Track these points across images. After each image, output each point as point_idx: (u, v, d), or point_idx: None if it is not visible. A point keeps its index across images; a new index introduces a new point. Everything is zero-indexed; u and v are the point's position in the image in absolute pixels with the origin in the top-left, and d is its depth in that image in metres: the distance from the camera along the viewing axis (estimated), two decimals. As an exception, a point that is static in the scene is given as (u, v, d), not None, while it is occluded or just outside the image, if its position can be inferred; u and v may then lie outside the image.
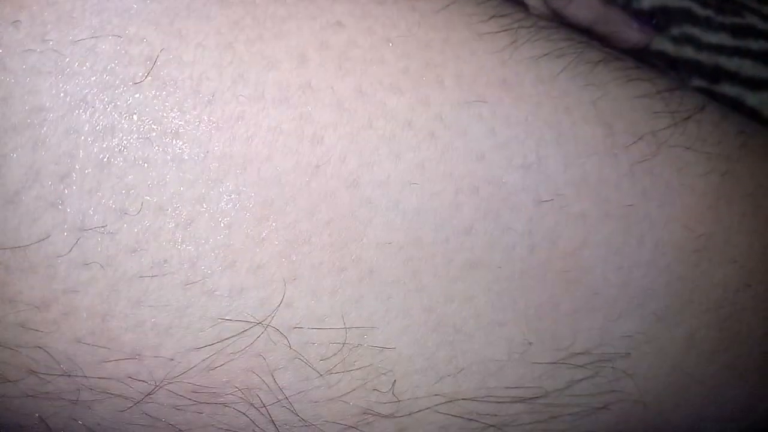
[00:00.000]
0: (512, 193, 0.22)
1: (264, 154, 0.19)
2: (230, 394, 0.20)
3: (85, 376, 0.20)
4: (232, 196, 0.19)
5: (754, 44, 0.43)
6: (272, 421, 0.21)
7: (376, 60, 0.21)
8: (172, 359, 0.20)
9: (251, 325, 0.20)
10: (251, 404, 0.20)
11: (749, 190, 0.26)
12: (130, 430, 0.21)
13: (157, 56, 0.19)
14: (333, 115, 0.20)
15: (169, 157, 0.19)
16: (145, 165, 0.19)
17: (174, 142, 0.19)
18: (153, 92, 0.19)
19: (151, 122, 0.19)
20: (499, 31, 0.22)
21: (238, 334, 0.20)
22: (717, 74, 0.42)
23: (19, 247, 0.18)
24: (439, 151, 0.21)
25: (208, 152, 0.19)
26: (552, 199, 0.22)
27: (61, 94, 0.18)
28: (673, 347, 0.25)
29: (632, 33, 0.34)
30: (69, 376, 0.20)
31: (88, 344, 0.19)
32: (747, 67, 0.43)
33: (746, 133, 0.28)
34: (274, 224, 0.19)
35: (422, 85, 0.21)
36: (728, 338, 0.26)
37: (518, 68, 0.22)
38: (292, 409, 0.21)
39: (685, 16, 0.43)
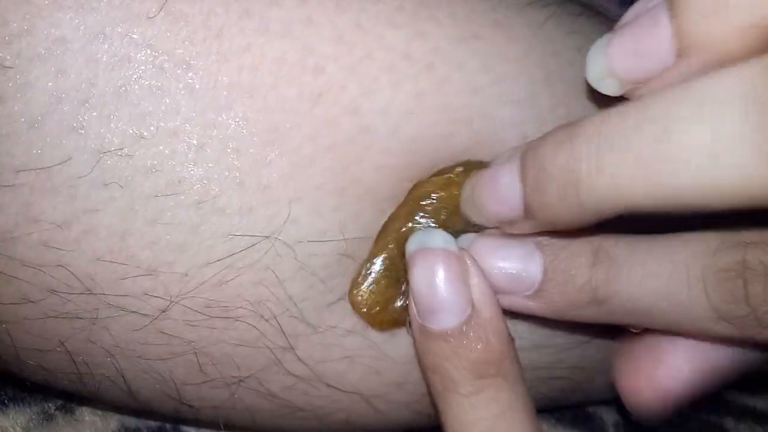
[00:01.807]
0: (502, 127, 0.23)
1: (269, 83, 0.21)
2: (241, 307, 0.21)
3: (104, 294, 0.21)
4: (240, 121, 0.20)
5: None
6: (282, 330, 0.22)
7: None
8: (186, 274, 0.21)
9: (260, 240, 0.21)
10: (261, 316, 0.22)
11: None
12: (145, 351, 0.22)
13: None
14: (334, 47, 0.21)
15: (181, 86, 0.20)
16: (159, 93, 0.20)
17: (185, 72, 0.20)
18: (165, 26, 0.20)
19: (164, 54, 0.20)
20: None
21: (248, 248, 0.21)
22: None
23: (42, 168, 0.19)
24: (436, 83, 0.22)
25: (217, 81, 0.20)
26: (538, 135, 0.23)
27: (81, 27, 0.19)
28: None
29: (611, 6, 0.36)
30: (88, 294, 0.20)
31: (107, 262, 0.20)
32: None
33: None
34: (279, 148, 0.21)
35: (418, 21, 0.22)
36: None
37: (508, 12, 0.23)
38: (300, 317, 0.22)
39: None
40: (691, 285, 0.19)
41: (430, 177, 0.23)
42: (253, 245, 0.21)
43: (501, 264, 0.21)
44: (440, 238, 0.21)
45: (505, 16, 0.23)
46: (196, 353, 0.22)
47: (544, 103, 0.23)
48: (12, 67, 0.19)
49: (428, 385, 0.22)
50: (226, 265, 0.21)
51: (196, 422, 0.27)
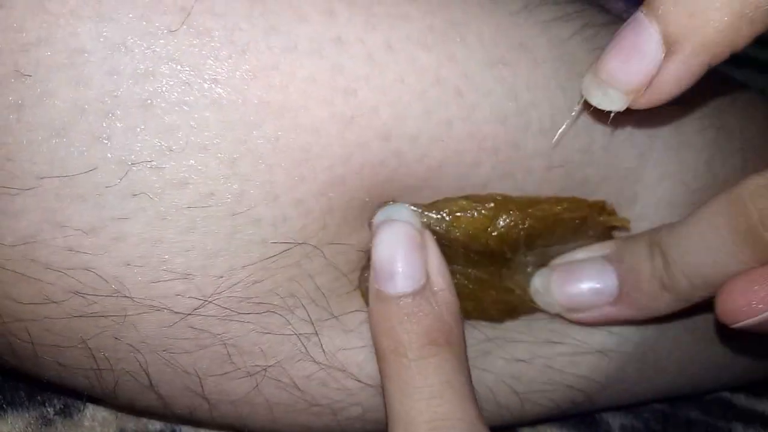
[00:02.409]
0: (527, 157, 0.23)
1: (299, 103, 0.20)
2: (272, 301, 0.22)
3: (133, 297, 0.21)
4: (272, 139, 0.20)
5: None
6: (309, 317, 0.23)
7: (401, 16, 0.22)
8: (221, 277, 0.21)
9: (293, 245, 0.22)
10: (289, 307, 0.22)
11: (739, 145, 0.27)
12: (172, 345, 0.22)
13: (192, 6, 0.20)
14: (365, 68, 0.21)
15: (208, 101, 0.20)
16: (186, 108, 0.20)
17: (212, 87, 0.20)
18: (189, 40, 0.20)
19: (188, 69, 0.20)
20: None
21: (282, 252, 0.21)
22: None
23: (67, 176, 0.19)
24: (465, 110, 0.22)
25: (245, 99, 0.20)
26: (562, 166, 0.24)
27: (101, 38, 0.19)
28: None
29: (617, 4, 0.36)
30: (117, 296, 0.21)
31: (138, 266, 0.20)
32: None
33: (735, 91, 0.29)
34: (312, 167, 0.21)
35: (448, 42, 0.22)
36: None
37: (533, 31, 0.23)
38: (326, 305, 0.23)
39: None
40: (737, 241, 0.21)
41: (460, 198, 0.24)
42: (287, 250, 0.22)
43: (583, 285, 0.24)
44: (406, 213, 0.23)
45: (530, 36, 0.23)
46: (224, 344, 0.22)
47: (567, 132, 0.23)
48: (31, 75, 0.19)
49: (376, 350, 0.23)
50: (260, 267, 0.21)
51: (207, 423, 0.27)
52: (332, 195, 0.22)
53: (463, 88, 0.22)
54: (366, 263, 0.24)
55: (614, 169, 0.25)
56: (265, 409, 0.25)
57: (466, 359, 0.23)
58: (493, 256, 0.25)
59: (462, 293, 0.24)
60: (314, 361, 0.23)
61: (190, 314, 0.21)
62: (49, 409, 0.27)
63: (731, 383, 0.34)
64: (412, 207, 0.24)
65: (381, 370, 0.23)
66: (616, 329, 0.27)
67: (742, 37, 0.19)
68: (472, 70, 0.22)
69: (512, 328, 0.26)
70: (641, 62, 0.20)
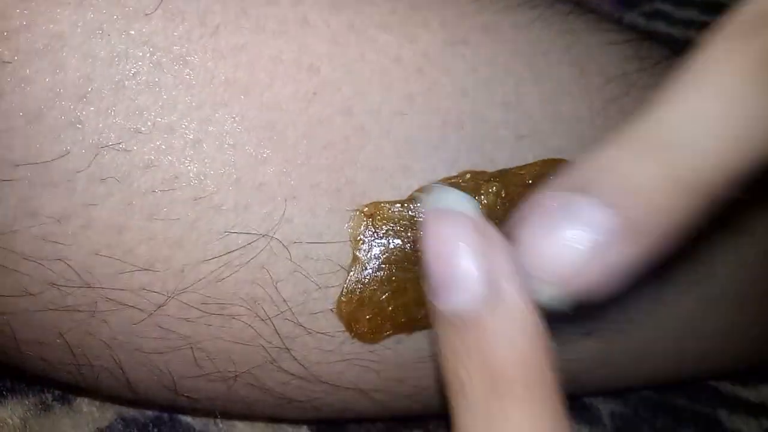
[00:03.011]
0: (494, 128, 0.23)
1: (265, 81, 0.21)
2: (237, 305, 0.21)
3: (102, 287, 0.21)
4: (237, 118, 0.20)
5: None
6: (276, 332, 0.22)
7: (365, 1, 0.22)
8: (183, 271, 0.21)
9: (256, 238, 0.21)
10: (257, 316, 0.21)
11: None
12: (143, 344, 0.22)
13: None
14: (328, 48, 0.21)
15: (178, 82, 0.20)
16: (156, 89, 0.20)
17: (182, 68, 0.20)
18: (163, 23, 0.20)
19: (161, 50, 0.20)
20: None
21: (243, 246, 0.21)
22: (689, 47, 0.44)
23: (41, 162, 0.19)
24: (426, 86, 0.22)
25: (213, 78, 0.20)
26: (531, 135, 0.23)
27: (80, 23, 0.19)
28: (650, 281, 0.26)
29: (605, 6, 0.36)
30: (87, 287, 0.20)
31: (105, 256, 0.20)
32: (717, 41, 0.45)
33: None
34: (275, 145, 0.21)
35: (409, 25, 0.22)
36: (701, 271, 0.28)
37: (496, 15, 0.24)
38: (294, 320, 0.22)
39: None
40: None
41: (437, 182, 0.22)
42: (249, 243, 0.21)
43: (559, 241, 0.15)
44: (455, 198, 0.17)
45: (493, 20, 0.23)
46: (192, 348, 0.22)
47: (533, 102, 0.23)
48: (10, 62, 0.19)
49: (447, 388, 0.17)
50: (223, 263, 0.21)
51: (192, 412, 0.27)
52: (295, 176, 0.21)
53: (423, 66, 0.22)
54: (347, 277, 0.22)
55: (588, 141, 0.24)
56: (244, 406, 0.24)
57: (558, 405, 0.15)
58: None
59: None
60: (288, 373, 0.23)
61: (155, 312, 0.21)
62: (47, 395, 0.27)
63: (717, 372, 0.35)
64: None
65: (450, 406, 0.16)
66: (600, 311, 0.26)
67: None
68: (432, 50, 0.22)
69: None
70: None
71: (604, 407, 0.33)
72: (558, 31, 0.24)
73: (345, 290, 0.22)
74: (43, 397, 0.27)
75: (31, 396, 0.27)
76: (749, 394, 0.37)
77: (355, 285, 0.22)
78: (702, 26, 0.45)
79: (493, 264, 0.15)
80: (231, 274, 0.21)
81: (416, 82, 0.22)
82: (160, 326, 0.21)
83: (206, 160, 0.20)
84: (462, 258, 0.15)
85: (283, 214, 0.21)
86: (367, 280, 0.22)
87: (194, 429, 0.28)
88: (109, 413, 0.27)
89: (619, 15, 0.43)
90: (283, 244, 0.21)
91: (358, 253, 0.22)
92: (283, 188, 0.21)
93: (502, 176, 0.23)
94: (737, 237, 0.28)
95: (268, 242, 0.21)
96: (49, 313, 0.21)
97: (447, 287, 0.16)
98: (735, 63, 0.15)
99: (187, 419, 0.28)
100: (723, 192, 0.15)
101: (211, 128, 0.20)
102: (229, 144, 0.20)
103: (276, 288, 0.21)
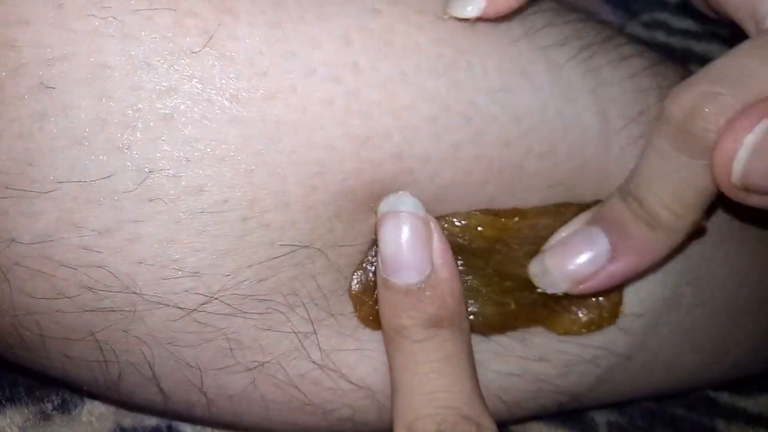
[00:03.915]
0: (529, 176, 0.24)
1: (316, 123, 0.22)
2: (275, 299, 0.23)
3: (143, 293, 0.22)
4: (288, 153, 0.22)
5: (721, 30, 0.46)
6: (309, 316, 0.24)
7: (412, 45, 0.23)
8: (228, 275, 0.22)
9: (300, 248, 0.23)
10: (291, 305, 0.23)
11: None
12: (178, 338, 0.23)
13: (215, 30, 0.21)
14: (379, 94, 0.22)
15: (228, 117, 0.21)
16: (206, 122, 0.21)
17: (233, 104, 0.21)
18: (211, 62, 0.21)
19: (210, 87, 0.21)
20: (513, 21, 0.25)
21: (288, 253, 0.23)
22: (687, 57, 0.44)
23: (85, 182, 0.21)
24: (472, 135, 0.23)
25: (264, 117, 0.21)
26: (559, 184, 0.25)
27: (125, 56, 0.20)
28: (659, 306, 0.28)
29: (606, 17, 0.37)
30: (127, 292, 0.22)
31: (150, 265, 0.21)
32: (715, 51, 0.45)
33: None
34: (324, 179, 0.22)
35: (455, 69, 0.23)
36: (702, 293, 0.28)
37: (532, 57, 0.24)
38: (325, 306, 0.24)
39: (656, 3, 0.45)
40: (680, 150, 0.22)
41: (477, 211, 0.25)
42: (293, 251, 0.23)
43: (579, 256, 0.24)
44: (410, 202, 0.23)
45: (529, 62, 0.24)
46: (227, 339, 0.23)
47: (563, 154, 0.25)
48: (54, 88, 0.20)
49: (383, 332, 0.24)
50: (266, 266, 0.22)
51: (203, 420, 0.28)
52: (341, 203, 0.23)
53: (469, 114, 0.23)
54: (357, 266, 0.25)
55: (607, 186, 0.26)
56: (261, 406, 0.25)
57: (468, 337, 0.24)
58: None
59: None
60: (310, 360, 0.24)
61: (195, 310, 0.22)
62: (47, 405, 0.28)
63: (714, 382, 0.35)
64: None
65: (387, 350, 0.24)
66: (606, 342, 0.27)
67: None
68: (477, 97, 0.23)
69: (505, 342, 0.27)
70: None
71: (600, 417, 0.34)
72: (584, 72, 0.25)
73: (356, 274, 0.25)
74: (43, 406, 0.28)
75: (30, 405, 0.28)
76: (747, 403, 0.37)
77: (366, 270, 0.25)
78: (700, 36, 0.45)
79: (432, 249, 0.23)
80: (274, 275, 0.23)
81: (463, 131, 0.23)
82: (197, 321, 0.23)
83: (257, 188, 0.22)
84: (413, 247, 0.23)
85: (329, 230, 0.23)
86: (374, 269, 0.25)
87: (192, 438, 0.28)
88: (108, 423, 0.28)
89: (621, 24, 0.43)
90: (321, 251, 0.23)
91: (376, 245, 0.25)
92: (328, 210, 0.23)
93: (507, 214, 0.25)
94: (726, 245, 0.29)
95: (311, 249, 0.23)
96: (84, 314, 0.22)
97: (402, 269, 0.23)
98: (662, 144, 0.22)
99: (186, 429, 0.28)
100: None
101: (261, 160, 0.21)
102: (279, 175, 0.22)
103: (314, 278, 0.24)
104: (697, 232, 0.25)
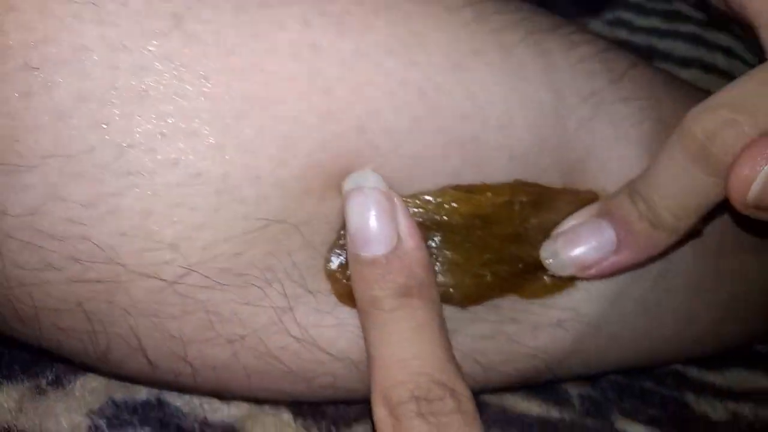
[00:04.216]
0: (490, 149, 0.26)
1: (281, 98, 0.23)
2: (252, 274, 0.24)
3: (125, 264, 0.23)
4: (256, 127, 0.23)
5: (683, 27, 0.48)
6: (284, 292, 0.25)
7: (369, 26, 0.24)
8: (205, 248, 0.23)
9: (273, 222, 0.24)
10: (268, 280, 0.24)
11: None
12: (160, 310, 0.24)
13: (183, 13, 0.23)
14: (339, 70, 0.24)
15: (197, 94, 0.22)
16: (177, 99, 0.22)
17: (203, 82, 0.23)
18: (181, 42, 0.22)
19: (181, 65, 0.22)
20: (464, 6, 0.26)
21: (263, 228, 0.24)
22: (650, 54, 0.47)
23: (67, 156, 0.22)
24: (430, 108, 0.25)
25: (232, 92, 0.23)
26: (521, 157, 0.26)
27: (102, 38, 0.22)
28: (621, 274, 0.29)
29: (571, 14, 0.39)
30: (111, 263, 0.23)
31: (131, 236, 0.23)
32: (678, 48, 0.48)
33: (673, 83, 0.32)
34: (293, 152, 0.23)
35: (410, 49, 0.25)
36: (667, 263, 0.30)
37: (484, 39, 0.26)
38: (301, 282, 0.25)
39: (619, 2, 0.47)
40: (694, 165, 0.24)
41: (449, 187, 0.26)
42: (267, 226, 0.24)
43: (587, 245, 0.27)
44: (373, 178, 0.24)
45: (483, 43, 0.26)
46: (207, 311, 0.24)
47: (521, 126, 0.26)
48: (38, 68, 0.22)
49: (357, 306, 0.25)
50: (242, 240, 0.24)
51: (190, 388, 0.29)
52: (311, 177, 0.24)
53: (425, 89, 0.25)
54: (332, 245, 0.25)
55: (567, 162, 0.27)
56: (243, 376, 0.26)
57: (439, 306, 0.25)
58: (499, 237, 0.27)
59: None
60: (289, 334, 0.25)
61: (176, 282, 0.23)
62: (42, 380, 0.29)
63: (680, 357, 0.37)
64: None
65: (361, 323, 0.25)
66: (570, 304, 0.29)
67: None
68: (432, 74, 0.25)
69: (479, 310, 0.28)
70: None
71: (573, 389, 0.35)
72: (535, 53, 0.27)
73: (331, 252, 0.25)
74: (38, 381, 0.29)
75: (26, 381, 0.29)
76: (715, 378, 0.39)
77: (340, 248, 0.25)
78: (663, 34, 0.47)
79: (398, 223, 0.24)
80: (249, 249, 0.24)
81: (422, 105, 0.25)
82: (178, 293, 0.24)
83: (228, 162, 0.23)
84: (379, 220, 0.24)
85: (300, 205, 0.24)
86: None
87: (182, 411, 0.29)
88: (101, 396, 0.29)
89: (583, 23, 0.45)
90: (295, 226, 0.24)
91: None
92: (299, 185, 0.24)
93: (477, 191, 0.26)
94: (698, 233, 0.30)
95: (284, 224, 0.24)
96: (71, 285, 0.23)
97: (369, 242, 0.24)
98: (677, 155, 0.24)
99: (176, 403, 0.30)
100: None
101: (232, 134, 0.23)
102: (249, 149, 0.23)
103: (289, 255, 0.25)
104: (692, 234, 0.27)
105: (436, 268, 0.27)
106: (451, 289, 0.27)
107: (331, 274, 0.26)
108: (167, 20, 0.22)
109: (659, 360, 0.36)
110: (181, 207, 0.23)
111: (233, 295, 0.24)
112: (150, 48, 0.22)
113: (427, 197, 0.26)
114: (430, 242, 0.26)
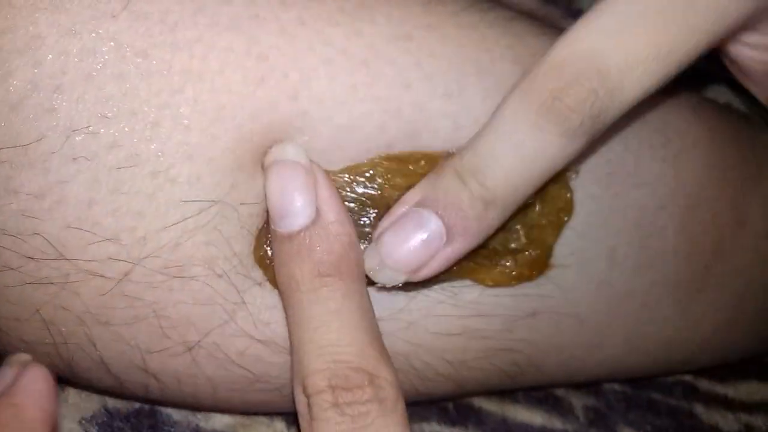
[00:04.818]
0: (433, 117, 0.25)
1: (217, 68, 0.23)
2: (195, 265, 0.24)
3: (74, 259, 0.23)
4: (191, 102, 0.23)
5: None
6: (232, 284, 0.24)
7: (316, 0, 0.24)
8: (145, 238, 0.23)
9: (209, 205, 0.23)
10: (213, 273, 0.24)
11: (657, 126, 0.30)
12: (112, 316, 0.24)
13: None
14: (277, 39, 0.24)
15: (139, 72, 0.23)
16: (121, 79, 0.23)
17: (144, 60, 0.23)
18: (128, 23, 0.23)
19: (126, 46, 0.23)
20: None
21: (198, 213, 0.23)
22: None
23: (20, 146, 0.22)
24: (370, 77, 0.24)
25: (171, 67, 0.23)
26: (470, 126, 0.25)
27: (56, 25, 0.22)
28: (596, 262, 0.28)
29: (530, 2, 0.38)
30: (61, 259, 0.23)
31: (76, 228, 0.23)
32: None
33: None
34: (224, 125, 0.23)
35: (356, 20, 0.25)
36: (651, 255, 0.29)
37: (441, 16, 0.26)
38: (245, 273, 0.24)
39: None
40: (540, 122, 0.22)
41: (381, 158, 0.25)
42: (202, 210, 0.23)
43: (409, 243, 0.23)
44: (292, 151, 0.24)
45: (438, 20, 0.26)
46: (157, 316, 0.24)
47: (475, 95, 0.25)
48: None
49: (278, 287, 0.24)
50: (181, 229, 0.23)
51: (164, 402, 0.28)
52: (240, 152, 0.23)
53: (368, 58, 0.24)
54: (262, 228, 0.24)
55: None
56: (209, 388, 0.26)
57: (362, 287, 0.24)
58: None
59: None
60: (246, 335, 0.25)
61: (121, 279, 0.23)
62: (36, 387, 0.29)
63: (686, 365, 0.35)
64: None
65: (283, 306, 0.24)
66: (541, 293, 0.28)
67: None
68: (377, 43, 0.24)
69: (435, 298, 0.26)
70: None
71: (577, 401, 0.34)
72: (501, 32, 0.27)
73: (260, 234, 0.24)
74: (32, 388, 0.29)
75: (20, 388, 0.29)
76: (727, 390, 0.38)
77: (265, 234, 0.24)
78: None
79: (318, 196, 0.23)
80: (189, 239, 0.23)
81: (361, 74, 0.24)
82: (126, 295, 0.23)
83: (163, 140, 0.23)
84: (296, 193, 0.23)
85: (232, 183, 0.24)
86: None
87: (174, 419, 0.29)
88: (94, 404, 0.29)
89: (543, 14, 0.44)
90: (232, 206, 0.24)
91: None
92: (230, 161, 0.23)
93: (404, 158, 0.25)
94: (683, 222, 0.29)
95: (219, 207, 0.24)
96: (26, 288, 0.23)
97: (286, 215, 0.23)
98: (520, 116, 0.22)
99: (168, 410, 0.29)
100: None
101: (167, 111, 0.23)
102: (183, 125, 0.23)
103: (228, 243, 0.24)
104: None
105: None
106: None
107: (260, 260, 0.24)
108: (118, 2, 0.23)
109: (663, 365, 0.34)
110: (120, 193, 0.23)
111: (180, 295, 0.24)
112: (99, 30, 0.23)
113: (359, 169, 0.24)
114: (364, 218, 0.25)
